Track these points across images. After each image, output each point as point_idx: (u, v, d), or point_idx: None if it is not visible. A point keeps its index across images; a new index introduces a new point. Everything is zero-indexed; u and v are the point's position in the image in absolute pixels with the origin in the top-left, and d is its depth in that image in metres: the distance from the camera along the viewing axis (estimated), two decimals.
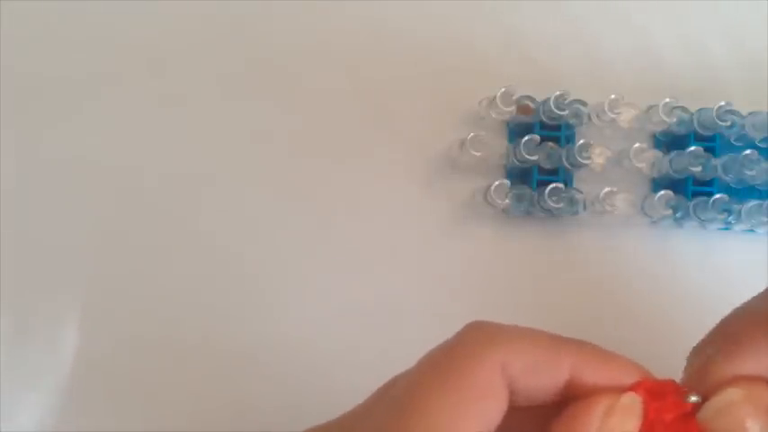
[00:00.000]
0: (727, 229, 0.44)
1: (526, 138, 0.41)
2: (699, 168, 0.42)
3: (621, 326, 0.43)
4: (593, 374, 0.26)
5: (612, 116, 0.42)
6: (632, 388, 0.26)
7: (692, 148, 0.42)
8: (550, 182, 0.41)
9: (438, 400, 0.24)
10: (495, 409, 0.25)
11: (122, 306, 0.41)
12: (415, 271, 0.43)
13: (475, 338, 0.26)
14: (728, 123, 0.42)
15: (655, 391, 0.26)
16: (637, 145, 0.42)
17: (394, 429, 0.24)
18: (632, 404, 0.26)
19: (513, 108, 0.42)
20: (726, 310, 0.40)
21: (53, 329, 0.40)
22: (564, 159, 0.42)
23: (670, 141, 0.44)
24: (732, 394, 0.26)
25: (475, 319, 0.27)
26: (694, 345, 0.29)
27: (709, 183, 0.43)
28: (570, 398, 0.26)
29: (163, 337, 0.41)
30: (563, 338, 0.27)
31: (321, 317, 0.41)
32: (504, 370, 0.25)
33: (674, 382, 0.27)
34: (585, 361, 0.26)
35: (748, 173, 0.42)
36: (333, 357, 0.41)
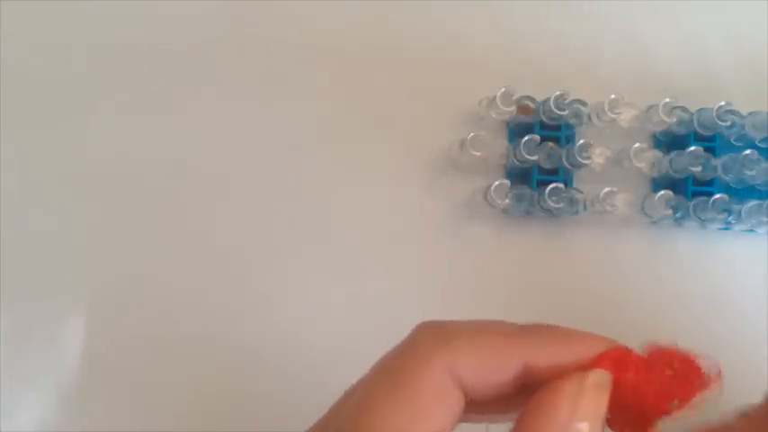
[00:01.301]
0: (727, 229, 0.44)
1: (526, 138, 0.41)
2: (699, 168, 0.42)
3: (621, 325, 0.42)
4: (548, 358, 0.25)
5: (612, 116, 0.42)
6: (595, 363, 0.25)
7: (692, 148, 0.42)
8: (550, 182, 0.41)
9: (389, 407, 0.24)
10: (447, 411, 0.25)
11: (122, 306, 0.41)
12: (415, 270, 0.43)
13: (422, 341, 0.26)
14: (728, 123, 0.42)
15: (619, 361, 0.26)
16: (637, 145, 0.42)
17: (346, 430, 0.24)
18: (602, 381, 0.25)
19: (513, 108, 0.42)
20: (726, 310, 0.41)
21: (53, 329, 0.40)
22: (564, 159, 0.42)
23: (670, 141, 0.44)
24: None
25: (426, 320, 0.27)
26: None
27: (710, 183, 0.43)
28: (534, 384, 0.26)
29: (163, 336, 0.41)
30: (515, 328, 0.26)
31: (321, 316, 0.41)
32: (452, 371, 0.25)
33: (632, 350, 0.26)
34: (539, 348, 0.25)
35: (748, 173, 0.42)
36: (333, 357, 0.41)
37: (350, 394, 0.27)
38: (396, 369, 0.25)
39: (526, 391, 0.26)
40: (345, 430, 0.25)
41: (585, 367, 0.26)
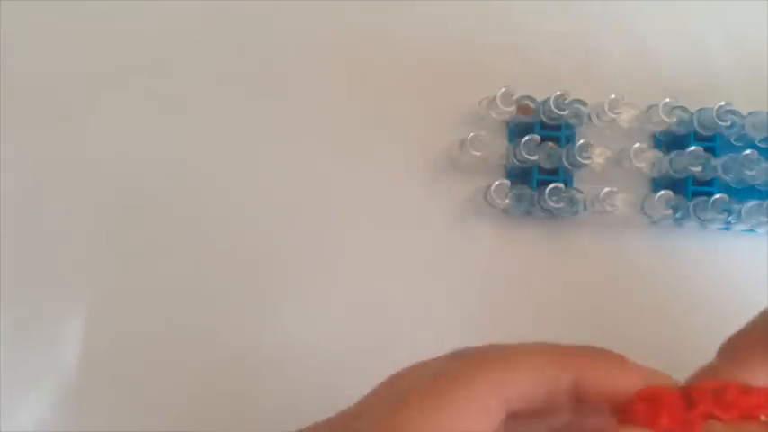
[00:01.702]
0: (727, 229, 0.44)
1: (526, 138, 0.41)
2: (699, 168, 0.42)
3: (621, 325, 0.43)
4: (598, 383, 0.26)
5: (612, 116, 0.42)
6: (644, 395, 0.26)
7: (692, 148, 0.42)
8: (550, 182, 0.41)
9: (431, 410, 0.25)
10: (482, 425, 0.26)
11: (123, 306, 0.41)
12: (416, 270, 0.43)
13: (476, 361, 0.27)
14: (728, 123, 0.43)
15: (655, 399, 0.26)
16: (637, 145, 0.42)
17: (383, 427, 0.25)
18: None
19: (513, 108, 0.42)
20: (726, 310, 0.40)
21: (53, 329, 0.40)
22: (564, 159, 0.42)
23: (670, 141, 0.44)
24: (716, 426, 0.26)
25: (489, 344, 0.28)
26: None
27: (710, 183, 0.43)
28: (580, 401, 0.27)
29: (163, 336, 0.41)
30: (564, 352, 0.27)
31: (321, 316, 0.41)
32: (501, 393, 0.26)
33: (670, 389, 0.27)
34: (586, 373, 0.26)
35: (748, 173, 0.42)
36: (333, 356, 0.41)
37: (391, 385, 0.27)
38: (446, 380, 0.26)
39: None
40: (382, 421, 0.25)
41: (621, 408, 0.26)
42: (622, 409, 0.26)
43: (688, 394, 0.26)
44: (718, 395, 0.26)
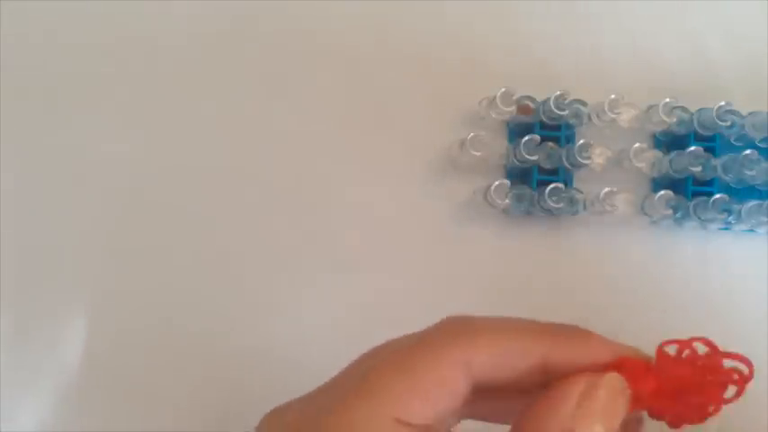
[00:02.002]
0: (727, 229, 0.44)
1: (526, 138, 0.41)
2: (699, 168, 0.42)
3: (621, 325, 0.42)
4: (566, 358, 0.26)
5: (612, 116, 0.42)
6: (613, 367, 0.26)
7: (692, 148, 0.42)
8: (550, 182, 0.41)
9: (391, 385, 0.25)
10: (449, 401, 0.26)
11: (123, 306, 0.41)
12: (415, 271, 0.43)
13: (443, 333, 0.26)
14: (728, 123, 0.42)
15: (639, 370, 0.26)
16: (637, 145, 0.42)
17: (343, 406, 0.25)
18: (616, 385, 0.25)
19: (513, 108, 0.42)
20: (726, 310, 0.41)
21: (53, 329, 0.40)
22: (564, 159, 0.42)
23: (670, 141, 0.44)
24: None
25: (454, 313, 0.27)
26: None
27: (710, 183, 0.43)
28: (552, 380, 0.26)
29: (163, 337, 0.41)
30: (535, 326, 0.27)
31: (321, 316, 0.41)
32: (467, 366, 0.26)
33: (636, 359, 0.27)
34: (557, 347, 0.26)
35: (748, 173, 0.42)
36: (332, 356, 0.41)
37: (357, 369, 0.27)
38: (409, 353, 0.26)
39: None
40: (344, 399, 0.25)
41: (602, 369, 0.26)
42: None
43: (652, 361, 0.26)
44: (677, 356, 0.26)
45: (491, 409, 0.28)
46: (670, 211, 0.42)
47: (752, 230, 0.44)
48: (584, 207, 0.42)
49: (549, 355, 0.26)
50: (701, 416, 0.26)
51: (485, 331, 0.26)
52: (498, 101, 0.42)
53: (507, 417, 0.27)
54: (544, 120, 0.43)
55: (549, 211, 0.42)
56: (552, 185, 0.41)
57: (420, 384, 0.25)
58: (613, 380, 0.25)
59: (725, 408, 0.27)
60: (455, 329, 0.26)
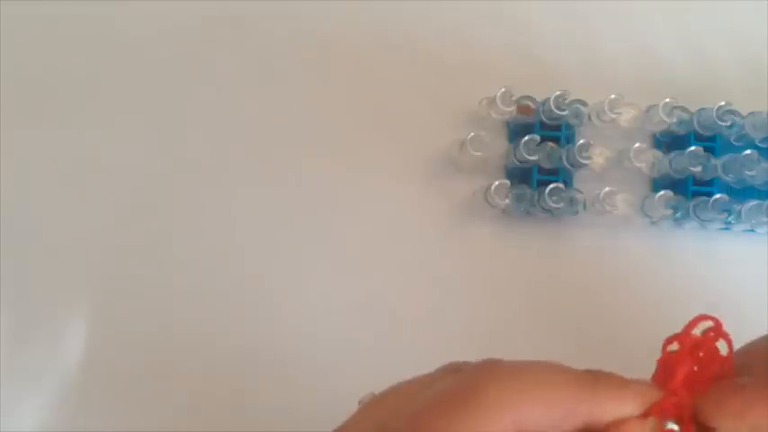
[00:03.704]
0: (727, 229, 0.44)
1: (526, 138, 0.41)
2: (699, 168, 0.42)
3: (621, 325, 0.43)
4: (608, 416, 0.26)
5: (612, 116, 0.42)
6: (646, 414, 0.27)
7: (692, 148, 0.42)
8: (550, 182, 0.41)
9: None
10: None
11: (123, 306, 0.41)
12: (415, 270, 0.43)
13: (495, 390, 0.25)
14: (728, 123, 0.42)
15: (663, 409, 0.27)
16: (637, 145, 0.42)
17: None
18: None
19: (513, 108, 0.42)
20: (726, 310, 0.40)
21: (53, 329, 0.40)
22: (564, 159, 0.42)
23: (670, 141, 0.44)
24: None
25: (491, 358, 0.27)
26: None
27: (709, 183, 0.43)
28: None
29: (163, 336, 0.41)
30: (578, 381, 0.26)
31: (321, 315, 0.41)
32: (516, 424, 0.25)
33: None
34: (598, 405, 0.26)
35: (748, 173, 0.42)
36: (332, 356, 0.41)
37: (392, 411, 0.26)
38: (460, 407, 0.25)
39: None
40: None
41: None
42: None
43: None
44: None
45: None
46: (670, 211, 0.42)
47: (752, 230, 0.44)
48: (584, 207, 0.42)
49: (593, 415, 0.26)
50: None
51: (537, 388, 0.26)
52: (498, 101, 0.42)
53: None
54: (544, 120, 0.43)
55: (549, 211, 0.42)
56: (552, 185, 0.41)
57: None
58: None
59: None
60: (506, 382, 0.26)
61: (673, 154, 0.42)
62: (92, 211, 0.42)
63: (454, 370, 0.27)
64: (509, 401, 0.25)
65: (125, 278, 0.41)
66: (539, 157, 0.41)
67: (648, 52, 0.46)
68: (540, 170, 0.42)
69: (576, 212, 0.42)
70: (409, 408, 0.25)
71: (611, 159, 0.42)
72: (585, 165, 0.42)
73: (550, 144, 0.42)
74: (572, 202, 0.42)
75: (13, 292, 0.40)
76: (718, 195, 0.42)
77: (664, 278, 0.44)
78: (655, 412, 0.26)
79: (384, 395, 0.27)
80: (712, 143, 0.43)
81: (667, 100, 0.43)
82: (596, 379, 0.26)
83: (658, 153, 0.43)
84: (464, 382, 0.26)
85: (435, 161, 0.44)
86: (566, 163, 0.42)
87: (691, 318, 0.28)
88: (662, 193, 0.42)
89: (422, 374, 0.27)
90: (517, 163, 0.42)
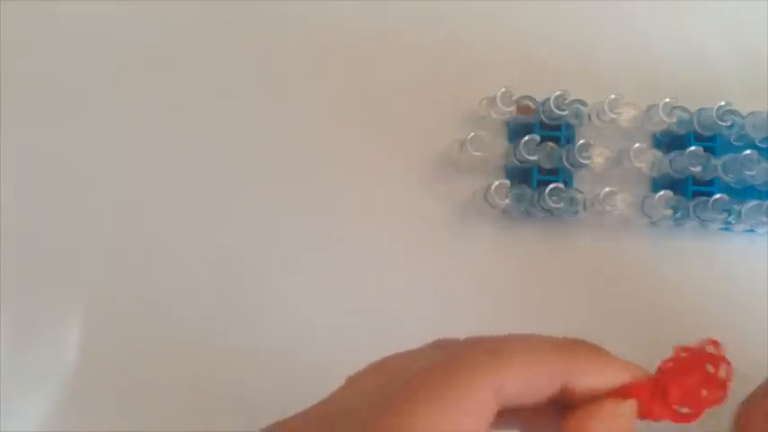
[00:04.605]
0: (727, 229, 0.44)
1: (526, 138, 0.41)
2: (699, 168, 0.42)
3: (621, 325, 0.43)
4: (585, 383, 0.26)
5: (612, 116, 0.42)
6: (619, 393, 0.27)
7: (692, 148, 0.42)
8: (550, 182, 0.41)
9: (426, 408, 0.25)
10: (480, 424, 0.26)
11: (123, 306, 0.41)
12: (415, 270, 0.43)
13: (476, 355, 0.26)
14: (728, 123, 0.42)
15: (640, 395, 0.27)
16: (637, 145, 0.42)
17: (378, 425, 0.25)
18: (628, 411, 0.26)
19: (513, 108, 0.42)
20: (726, 310, 0.40)
21: (54, 330, 0.40)
22: (564, 159, 0.42)
23: (670, 141, 0.44)
24: None
25: (477, 335, 0.27)
26: None
27: (709, 183, 0.43)
28: (564, 398, 0.27)
29: (163, 337, 0.41)
30: (558, 347, 0.27)
31: (321, 316, 0.42)
32: (498, 392, 0.26)
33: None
34: (578, 371, 0.27)
35: (748, 173, 0.42)
36: (332, 357, 0.41)
37: (381, 378, 0.27)
38: (443, 376, 0.26)
39: (555, 406, 0.27)
40: (375, 418, 0.25)
41: (616, 395, 0.27)
42: None
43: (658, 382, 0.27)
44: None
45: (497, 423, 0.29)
46: (670, 211, 0.42)
47: (752, 230, 0.44)
48: (584, 207, 0.42)
49: (570, 379, 0.26)
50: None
51: (516, 355, 0.26)
52: (498, 101, 0.42)
53: (512, 426, 0.28)
54: (544, 120, 0.43)
55: (549, 211, 0.42)
56: (552, 185, 0.41)
57: (459, 413, 0.25)
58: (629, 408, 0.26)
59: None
60: (487, 351, 0.26)
61: (673, 154, 0.42)
62: (92, 211, 0.42)
63: (439, 346, 0.28)
64: (490, 370, 0.26)
65: (124, 279, 0.41)
66: (539, 157, 0.41)
67: (648, 52, 0.46)
68: (540, 170, 0.42)
69: (576, 212, 0.42)
70: (395, 382, 0.26)
71: (611, 159, 0.42)
72: (585, 165, 0.42)
73: (550, 144, 0.42)
74: (572, 202, 0.42)
75: (13, 292, 0.40)
76: (718, 195, 0.42)
77: (664, 278, 0.44)
78: (635, 393, 0.27)
79: (371, 369, 0.28)
80: (712, 143, 0.43)
81: (667, 100, 0.43)
82: (577, 346, 0.27)
83: (658, 153, 0.43)
84: (447, 356, 0.26)
85: (435, 161, 0.44)
86: (566, 163, 0.42)
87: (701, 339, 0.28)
88: (662, 193, 0.42)
89: (408, 350, 0.28)
90: (517, 163, 0.42)
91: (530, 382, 0.26)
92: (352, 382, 0.28)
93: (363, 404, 0.26)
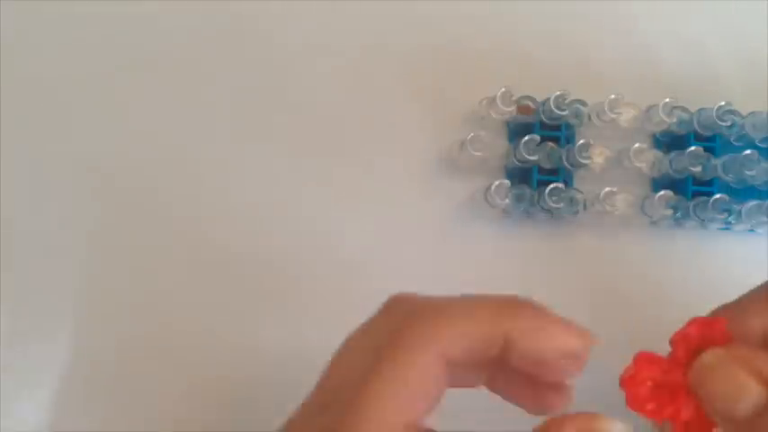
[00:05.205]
0: (727, 229, 0.44)
1: (526, 138, 0.41)
2: (699, 168, 0.42)
3: (621, 325, 0.43)
4: (525, 343, 0.27)
5: (612, 116, 0.42)
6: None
7: (692, 148, 0.42)
8: (550, 182, 0.41)
9: (383, 396, 0.25)
10: (436, 393, 0.27)
11: (122, 306, 0.41)
12: (415, 271, 0.43)
13: (419, 328, 0.27)
14: (728, 123, 0.42)
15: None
16: (637, 145, 0.42)
17: (348, 424, 0.25)
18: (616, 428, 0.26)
19: (513, 108, 0.42)
20: None
21: (53, 329, 0.40)
22: (564, 159, 0.42)
23: (670, 141, 0.44)
24: (714, 353, 0.27)
25: (425, 296, 0.28)
26: None
27: (709, 183, 0.43)
28: (515, 360, 0.27)
29: (163, 337, 0.41)
30: (498, 308, 0.27)
31: (321, 317, 0.41)
32: (444, 356, 0.26)
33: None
34: (518, 331, 0.27)
35: (748, 173, 0.42)
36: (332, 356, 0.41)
37: (341, 381, 0.27)
38: (390, 358, 0.26)
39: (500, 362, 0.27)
40: (339, 422, 0.25)
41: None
42: None
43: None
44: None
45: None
46: (670, 211, 0.42)
47: (752, 230, 0.44)
48: (585, 207, 0.42)
49: (510, 339, 0.27)
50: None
51: (454, 319, 0.27)
52: (498, 101, 0.42)
53: (460, 383, 0.29)
54: (544, 120, 0.43)
55: (549, 211, 0.42)
56: (552, 185, 0.41)
57: (411, 387, 0.26)
58: (615, 428, 0.26)
59: None
60: (426, 320, 0.27)
61: (673, 154, 0.42)
62: (91, 211, 0.42)
63: (389, 313, 0.28)
64: (431, 335, 0.26)
65: (124, 278, 0.41)
66: (539, 157, 0.41)
67: (648, 52, 0.46)
68: (540, 170, 0.42)
69: (576, 212, 0.42)
70: (351, 362, 0.27)
71: (611, 159, 0.42)
72: (585, 165, 0.42)
73: (550, 144, 0.42)
74: (572, 202, 0.42)
75: (13, 292, 0.40)
76: (718, 195, 0.42)
77: (664, 278, 0.44)
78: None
79: (338, 352, 0.29)
80: (712, 143, 0.43)
81: (667, 100, 0.43)
82: (517, 306, 0.28)
83: (658, 153, 0.43)
84: (389, 326, 0.27)
85: (435, 161, 0.44)
86: (566, 163, 0.42)
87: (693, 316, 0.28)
88: (662, 193, 0.42)
89: (362, 328, 0.29)
90: (517, 163, 0.42)
91: (469, 345, 0.27)
92: (328, 375, 0.28)
93: (327, 410, 0.27)
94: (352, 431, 0.25)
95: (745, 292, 0.32)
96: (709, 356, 0.27)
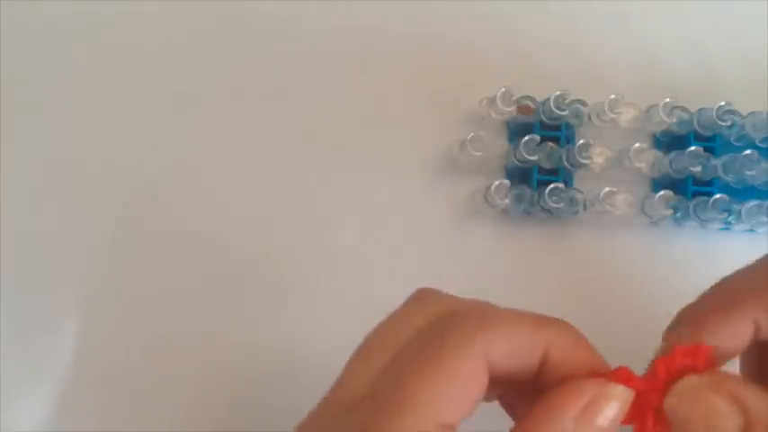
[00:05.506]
0: (727, 229, 0.44)
1: (526, 138, 0.41)
2: (699, 168, 0.42)
3: (621, 326, 0.43)
4: (561, 357, 0.27)
5: (612, 116, 0.42)
6: (610, 377, 0.27)
7: (692, 148, 0.42)
8: (550, 182, 0.41)
9: (431, 393, 0.25)
10: (477, 396, 0.26)
11: (122, 305, 0.41)
12: (415, 271, 0.43)
13: (464, 327, 0.27)
14: (728, 123, 0.42)
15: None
16: (637, 145, 0.42)
17: (387, 421, 0.25)
18: (624, 396, 0.27)
19: (513, 108, 0.42)
20: None
21: (53, 329, 0.40)
22: (564, 159, 0.42)
23: (670, 141, 0.44)
24: (693, 380, 0.27)
25: (427, 288, 0.28)
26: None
27: (709, 183, 0.43)
28: (546, 378, 0.27)
29: (163, 337, 0.41)
30: (541, 319, 0.28)
31: (321, 317, 0.41)
32: (486, 359, 0.26)
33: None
34: (559, 342, 0.27)
35: (748, 173, 0.42)
36: (333, 357, 0.41)
37: (377, 382, 0.27)
38: (433, 355, 0.26)
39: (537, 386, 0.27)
40: (378, 420, 0.25)
41: (602, 376, 0.27)
42: None
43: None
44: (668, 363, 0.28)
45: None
46: (670, 211, 0.42)
47: (752, 230, 0.44)
48: (585, 207, 0.42)
49: (550, 350, 0.27)
50: None
51: (500, 323, 0.27)
52: (498, 101, 0.42)
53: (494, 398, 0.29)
54: (544, 120, 0.43)
55: (549, 211, 0.42)
56: (552, 185, 0.41)
57: (455, 387, 0.25)
58: (623, 393, 0.26)
59: None
60: (471, 321, 0.27)
61: (673, 154, 0.42)
62: (91, 210, 0.42)
63: (421, 306, 0.29)
64: (480, 338, 0.26)
65: (124, 278, 0.41)
66: (539, 157, 0.41)
67: (648, 52, 0.46)
68: (540, 170, 0.42)
69: (576, 212, 0.42)
70: (383, 358, 0.27)
71: (611, 159, 0.42)
72: (585, 165, 0.42)
73: (550, 144, 0.42)
74: (572, 202, 0.42)
75: (13, 291, 0.40)
76: (718, 195, 0.42)
77: (664, 278, 0.44)
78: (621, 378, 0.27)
79: (365, 346, 0.29)
80: (712, 143, 0.43)
81: (667, 100, 0.43)
82: (557, 323, 0.28)
83: (658, 153, 0.43)
84: (429, 324, 0.27)
85: (435, 161, 0.44)
86: (566, 163, 0.42)
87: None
88: (662, 193, 0.42)
89: (393, 320, 0.29)
90: (517, 163, 0.42)
91: (515, 346, 0.27)
92: (353, 363, 0.28)
93: (365, 405, 0.26)
94: (390, 430, 0.25)
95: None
96: (687, 383, 0.27)
